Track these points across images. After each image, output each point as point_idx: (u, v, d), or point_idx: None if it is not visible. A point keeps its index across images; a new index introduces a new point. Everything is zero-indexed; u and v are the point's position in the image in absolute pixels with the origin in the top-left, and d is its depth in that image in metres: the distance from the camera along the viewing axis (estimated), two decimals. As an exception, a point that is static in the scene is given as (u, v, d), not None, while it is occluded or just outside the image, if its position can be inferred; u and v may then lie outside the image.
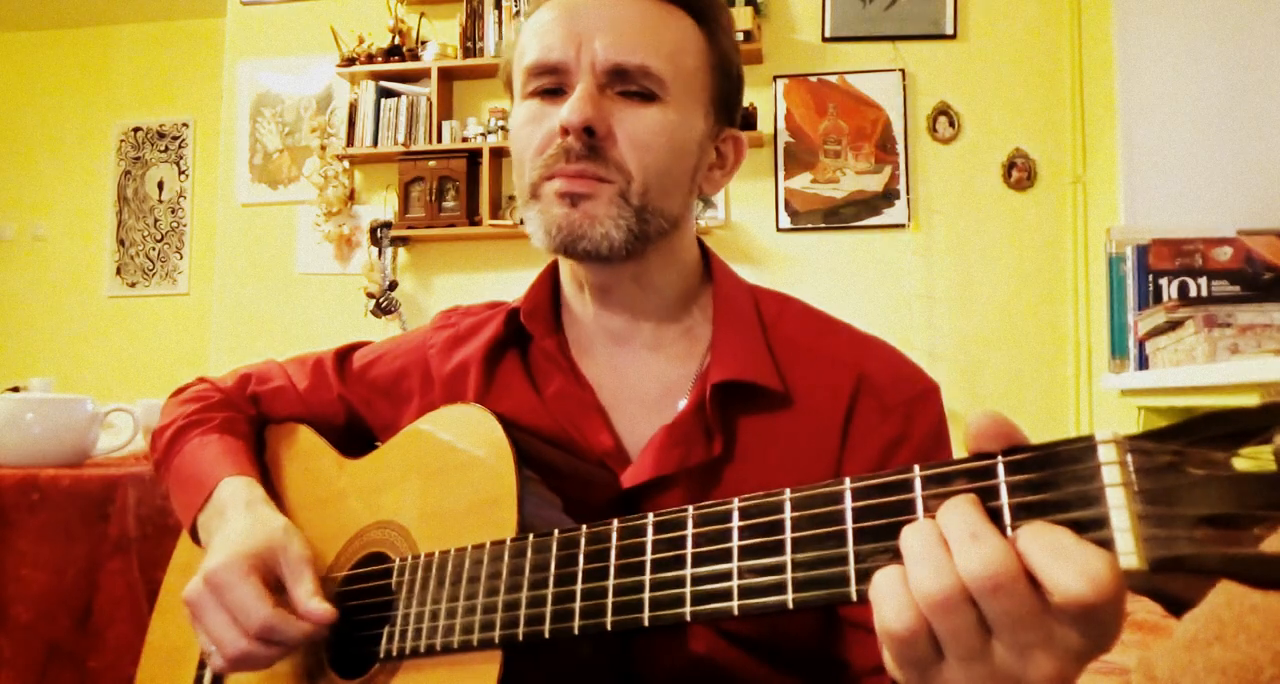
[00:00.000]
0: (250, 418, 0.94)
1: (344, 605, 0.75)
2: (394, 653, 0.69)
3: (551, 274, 0.86)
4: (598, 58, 0.72)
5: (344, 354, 0.94)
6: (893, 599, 0.42)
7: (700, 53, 0.77)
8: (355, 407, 0.91)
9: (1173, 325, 1.88)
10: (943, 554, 0.41)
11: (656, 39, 0.73)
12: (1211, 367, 1.69)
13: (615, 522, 0.58)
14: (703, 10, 0.77)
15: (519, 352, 0.84)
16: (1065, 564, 0.38)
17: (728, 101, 0.80)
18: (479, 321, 0.88)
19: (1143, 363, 2.12)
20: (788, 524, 0.49)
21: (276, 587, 0.73)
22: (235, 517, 0.78)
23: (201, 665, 0.85)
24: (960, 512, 0.42)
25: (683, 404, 0.76)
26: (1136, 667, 0.84)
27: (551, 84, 0.74)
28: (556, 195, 0.73)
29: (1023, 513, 0.41)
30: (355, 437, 0.92)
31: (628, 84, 0.73)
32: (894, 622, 0.42)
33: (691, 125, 0.76)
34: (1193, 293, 2.02)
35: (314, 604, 0.71)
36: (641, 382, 0.80)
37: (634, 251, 0.74)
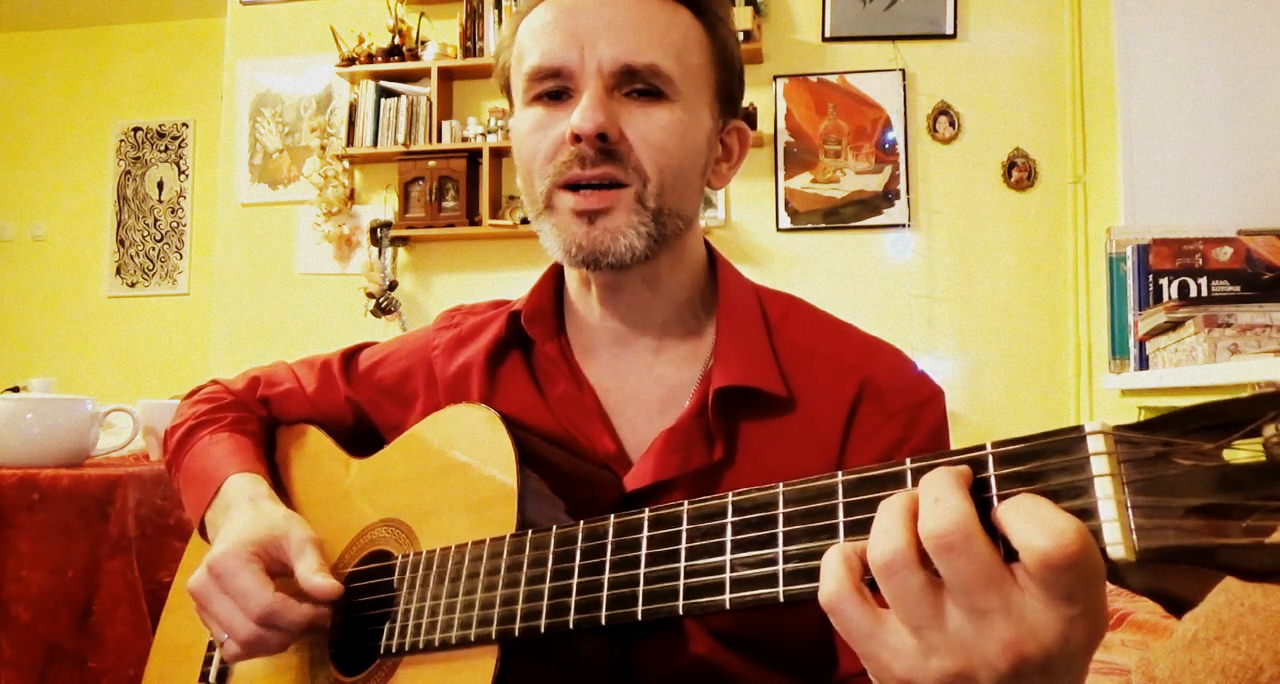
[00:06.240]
0: (260, 418, 0.94)
1: (348, 602, 0.75)
2: (394, 649, 0.69)
3: (555, 275, 0.85)
4: (604, 59, 0.70)
5: (350, 355, 0.94)
6: (831, 568, 0.43)
7: (703, 47, 0.75)
8: (362, 407, 0.91)
9: (1173, 325, 1.88)
10: (897, 521, 0.42)
11: (662, 37, 0.72)
12: (1211, 367, 1.69)
13: (611, 517, 0.58)
14: (702, 3, 0.76)
15: (522, 353, 0.83)
16: (1033, 524, 0.38)
17: (730, 94, 0.79)
18: (482, 322, 0.87)
19: (1143, 363, 2.12)
20: (780, 518, 0.49)
21: (281, 573, 0.73)
22: (240, 511, 0.79)
23: (207, 661, 0.86)
24: (933, 478, 0.42)
25: (685, 408, 0.75)
26: (1136, 667, 0.84)
27: (554, 87, 0.73)
28: (574, 213, 0.71)
29: (1011, 504, 0.41)
30: (364, 436, 0.92)
31: (636, 84, 0.71)
32: (831, 588, 0.43)
33: (701, 123, 0.75)
34: (1193, 293, 2.01)
35: (317, 580, 0.71)
36: (644, 385, 0.79)
37: (651, 254, 0.73)
